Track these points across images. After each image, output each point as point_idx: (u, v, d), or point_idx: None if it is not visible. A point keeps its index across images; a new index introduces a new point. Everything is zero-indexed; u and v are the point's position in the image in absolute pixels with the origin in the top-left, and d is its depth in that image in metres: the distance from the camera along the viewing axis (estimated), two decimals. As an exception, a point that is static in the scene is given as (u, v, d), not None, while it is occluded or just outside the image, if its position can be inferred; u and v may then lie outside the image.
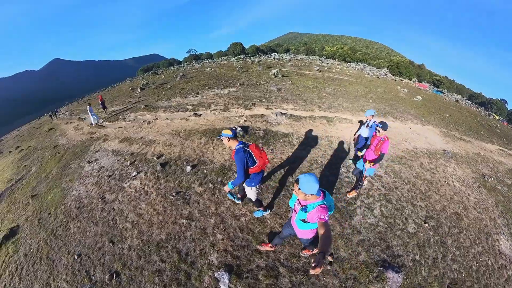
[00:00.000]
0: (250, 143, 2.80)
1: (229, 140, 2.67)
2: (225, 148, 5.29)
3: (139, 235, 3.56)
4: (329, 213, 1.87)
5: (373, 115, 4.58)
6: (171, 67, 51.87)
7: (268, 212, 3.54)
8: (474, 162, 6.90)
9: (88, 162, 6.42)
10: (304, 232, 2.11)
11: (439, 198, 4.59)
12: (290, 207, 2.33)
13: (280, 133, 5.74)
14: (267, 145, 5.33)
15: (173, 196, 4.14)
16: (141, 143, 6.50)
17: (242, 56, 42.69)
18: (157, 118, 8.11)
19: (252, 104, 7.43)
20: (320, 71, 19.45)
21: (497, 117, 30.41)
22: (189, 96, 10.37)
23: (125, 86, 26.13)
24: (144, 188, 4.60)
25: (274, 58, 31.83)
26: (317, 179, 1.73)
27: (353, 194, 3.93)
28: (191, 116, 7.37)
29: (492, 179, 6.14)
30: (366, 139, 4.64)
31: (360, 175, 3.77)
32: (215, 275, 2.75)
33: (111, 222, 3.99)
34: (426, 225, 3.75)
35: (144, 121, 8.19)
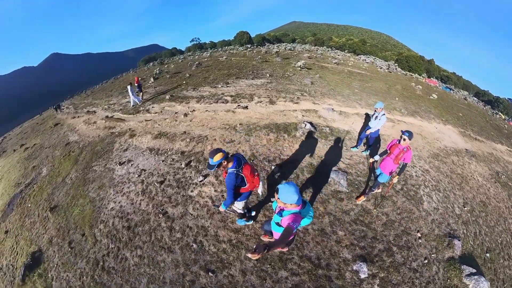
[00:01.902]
0: (246, 165, 2.61)
1: (219, 166, 2.45)
2: (302, 144, 5.05)
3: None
4: (306, 223, 1.90)
5: (382, 108, 4.63)
6: (174, 56, 50.19)
7: (251, 222, 3.44)
8: (489, 161, 7.87)
9: (120, 164, 5.53)
10: (278, 235, 2.15)
11: (469, 189, 5.53)
12: (273, 209, 2.33)
13: (341, 129, 6.07)
14: (338, 143, 5.36)
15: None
16: (188, 140, 5.72)
17: (249, 46, 41.52)
18: (194, 110, 7.68)
19: (297, 98, 7.94)
20: (338, 64, 19.67)
21: (503, 117, 30.83)
22: (219, 86, 10.41)
23: (131, 76, 25.27)
24: (223, 195, 3.86)
25: (285, 49, 31.27)
26: (296, 188, 1.74)
27: (362, 199, 3.87)
28: (236, 108, 7.21)
29: (504, 176, 7.14)
30: (374, 131, 4.72)
31: (377, 186, 3.70)
32: (354, 268, 2.92)
33: (196, 246, 3.25)
34: (466, 209, 4.69)
35: (176, 112, 7.71)
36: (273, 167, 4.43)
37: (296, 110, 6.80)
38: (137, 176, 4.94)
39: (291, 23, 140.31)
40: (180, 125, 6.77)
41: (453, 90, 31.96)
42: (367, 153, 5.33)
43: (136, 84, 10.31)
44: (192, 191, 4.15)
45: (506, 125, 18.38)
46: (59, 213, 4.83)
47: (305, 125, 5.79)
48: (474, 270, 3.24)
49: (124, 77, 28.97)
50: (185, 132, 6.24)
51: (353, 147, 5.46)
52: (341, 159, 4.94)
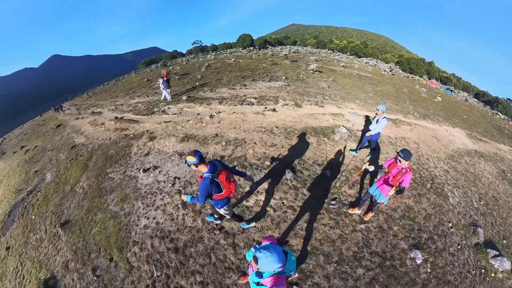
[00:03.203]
0: (222, 171, 2.55)
1: (196, 167, 2.42)
2: (342, 148, 5.27)
3: (326, 259, 3.15)
4: (291, 273, 1.81)
5: (383, 111, 4.66)
6: (176, 59, 50.48)
7: (252, 224, 3.46)
8: (495, 160, 8.56)
9: (144, 170, 4.96)
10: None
11: (482, 185, 6.17)
12: (247, 259, 2.07)
13: (393, 137, 6.63)
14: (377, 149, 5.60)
15: (332, 205, 3.90)
16: (224, 143, 5.47)
17: (252, 48, 42.12)
18: (219, 112, 7.56)
19: (321, 101, 8.50)
20: (345, 67, 20.34)
21: (502, 116, 31.64)
22: (238, 88, 10.62)
23: (135, 78, 25.62)
24: (283, 203, 3.72)
25: (290, 51, 31.87)
26: (278, 251, 1.56)
27: (370, 215, 3.81)
28: (265, 111, 7.36)
29: (510, 174, 7.82)
30: (375, 134, 4.75)
31: (371, 199, 3.74)
32: (411, 255, 3.40)
33: None
34: (481, 202, 5.31)
35: (198, 114, 7.57)
36: (325, 171, 4.62)
37: (325, 114, 7.31)
38: (170, 185, 4.35)
39: (290, 25, 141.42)
40: (208, 127, 6.50)
41: (454, 91, 32.83)
42: (370, 157, 5.31)
43: (164, 79, 9.87)
44: (247, 201, 3.86)
45: (506, 125, 19.29)
46: (73, 231, 4.08)
47: (342, 129, 6.07)
48: (497, 253, 3.86)
49: (127, 79, 28.95)
50: (217, 135, 5.96)
51: (352, 150, 5.40)
52: (378, 160, 5.48)
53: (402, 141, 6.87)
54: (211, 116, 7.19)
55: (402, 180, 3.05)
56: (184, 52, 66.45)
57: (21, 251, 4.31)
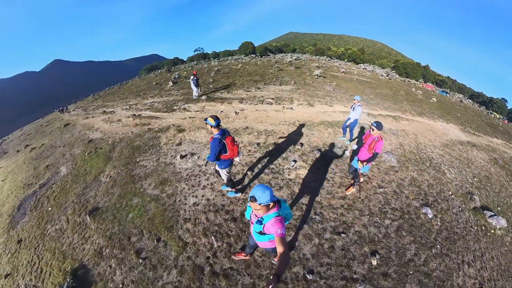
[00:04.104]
0: (228, 136, 3.16)
1: (211, 127, 3.08)
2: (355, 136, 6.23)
3: (360, 213, 3.91)
4: (286, 222, 1.91)
5: (359, 100, 5.61)
6: (179, 65, 52.42)
7: (239, 194, 4.05)
8: (487, 150, 9.57)
9: (181, 157, 5.38)
10: (264, 243, 2.13)
11: (475, 167, 7.15)
12: (247, 219, 2.28)
13: (393, 129, 7.75)
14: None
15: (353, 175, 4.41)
16: (255, 133, 6.34)
17: (254, 55, 44.07)
18: (243, 109, 8.55)
19: (330, 102, 9.65)
20: (345, 73, 21.81)
21: (498, 116, 33.09)
22: (253, 90, 11.65)
23: (141, 82, 26.61)
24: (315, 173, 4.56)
25: (292, 58, 33.64)
26: (267, 187, 1.78)
27: (351, 190, 4.34)
28: (284, 109, 8.54)
29: (501, 161, 8.83)
30: (353, 120, 5.67)
31: (355, 172, 4.10)
32: (423, 211, 4.24)
33: (318, 217, 3.72)
34: (475, 179, 6.27)
35: (221, 111, 8.50)
36: (345, 151, 5.81)
37: (335, 112, 8.46)
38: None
39: (288, 33, 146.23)
40: (235, 122, 7.35)
41: (449, 93, 34.30)
42: (349, 142, 6.25)
43: (194, 77, 10.61)
44: (289, 175, 4.60)
45: (500, 123, 20.53)
46: (104, 217, 4.00)
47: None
48: (493, 213, 4.77)
49: (132, 83, 30.15)
50: (247, 127, 6.74)
51: (340, 137, 6.46)
52: (388, 144, 6.60)
53: (402, 133, 7.94)
54: (236, 113, 8.11)
55: (375, 147, 3.52)
56: (185, 59, 68.24)
57: (36, 243, 4.13)
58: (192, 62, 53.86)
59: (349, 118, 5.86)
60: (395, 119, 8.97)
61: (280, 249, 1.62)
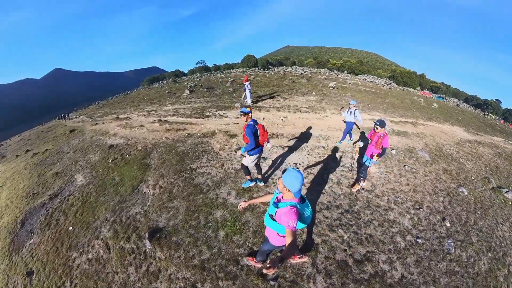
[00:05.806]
0: (259, 124, 3.58)
1: (245, 115, 3.48)
2: (392, 138, 7.74)
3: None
4: (302, 226, 1.87)
5: (355, 105, 6.17)
6: (184, 76, 54.57)
7: (253, 183, 4.23)
8: (490, 146, 11.28)
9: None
10: (271, 233, 2.09)
11: (485, 159, 8.74)
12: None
13: (401, 130, 9.31)
14: (409, 137, 8.19)
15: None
16: (314, 138, 7.16)
17: (256, 68, 46.49)
18: (286, 117, 9.33)
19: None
20: (351, 84, 24.07)
21: (493, 117, 34.86)
22: (281, 100, 12.84)
23: (149, 91, 27.09)
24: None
25: (297, 71, 36.19)
26: (302, 180, 1.75)
27: (357, 187, 4.55)
28: (322, 117, 9.77)
29: (504, 154, 10.52)
30: (350, 123, 6.25)
31: (364, 172, 4.33)
32: (460, 190, 5.66)
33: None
34: (487, 168, 7.88)
35: (263, 118, 9.03)
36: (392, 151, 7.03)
37: (365, 119, 10.14)
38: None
39: (285, 47, 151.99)
40: (285, 128, 7.86)
41: (445, 99, 36.66)
42: (351, 142, 6.99)
43: (245, 83, 10.92)
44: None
45: (497, 123, 22.62)
46: (177, 240, 3.16)
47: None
48: (508, 189, 6.30)
49: (137, 93, 31.00)
50: (302, 133, 7.48)
51: (339, 142, 6.95)
52: (418, 144, 8.22)
53: (421, 135, 9.63)
54: (282, 119, 8.96)
55: (383, 143, 3.84)
56: (185, 71, 69.99)
57: (59, 280, 2.86)
58: (194, 75, 55.72)
59: (348, 123, 6.40)
60: (413, 124, 10.71)
61: (289, 239, 1.64)
